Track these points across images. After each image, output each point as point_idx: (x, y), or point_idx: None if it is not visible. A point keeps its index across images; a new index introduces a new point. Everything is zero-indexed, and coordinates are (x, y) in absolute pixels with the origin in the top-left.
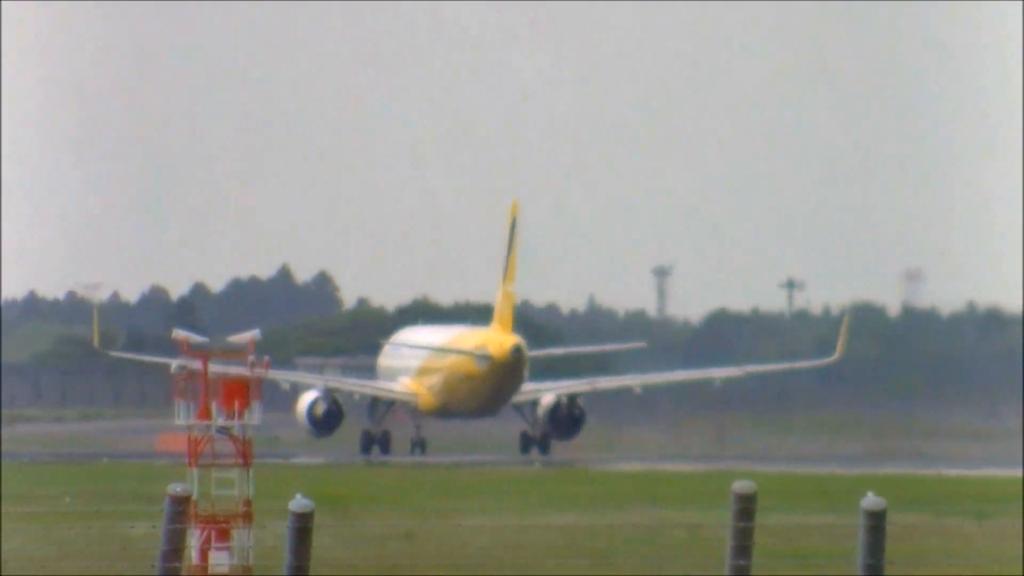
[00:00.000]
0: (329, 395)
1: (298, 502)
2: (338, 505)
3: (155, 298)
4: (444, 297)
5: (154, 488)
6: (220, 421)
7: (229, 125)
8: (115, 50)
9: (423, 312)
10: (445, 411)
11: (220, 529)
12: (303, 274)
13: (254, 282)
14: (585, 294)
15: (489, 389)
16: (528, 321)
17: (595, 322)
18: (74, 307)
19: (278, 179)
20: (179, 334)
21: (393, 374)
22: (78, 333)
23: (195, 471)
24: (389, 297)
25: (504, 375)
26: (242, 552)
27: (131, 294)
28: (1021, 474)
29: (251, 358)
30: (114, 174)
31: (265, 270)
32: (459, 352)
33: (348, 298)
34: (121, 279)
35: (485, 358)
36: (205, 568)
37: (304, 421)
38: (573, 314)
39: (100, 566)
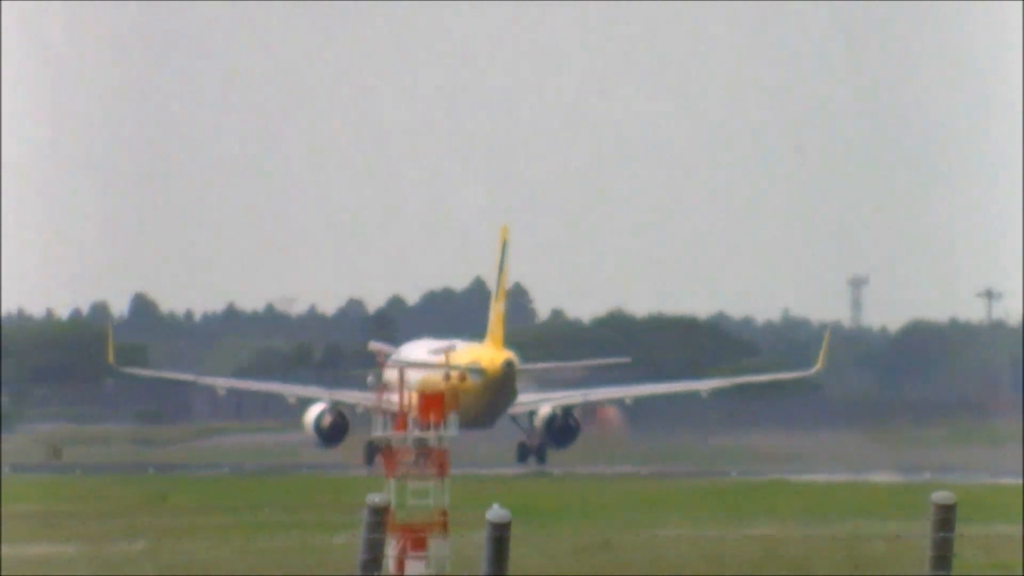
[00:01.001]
0: (335, 407)
1: (495, 512)
2: (533, 515)
3: (352, 311)
4: (639, 308)
5: (351, 499)
6: (416, 432)
7: (412, 138)
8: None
9: (618, 324)
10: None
11: (416, 539)
12: None
13: (449, 294)
14: (780, 306)
15: (483, 402)
16: (723, 333)
17: (790, 333)
18: (273, 320)
19: (472, 190)
20: (376, 346)
21: (396, 386)
22: (277, 345)
23: (392, 481)
24: (584, 309)
25: (497, 389)
26: (438, 562)
27: (328, 307)
28: None
29: (446, 370)
30: (312, 190)
31: (460, 282)
32: (453, 367)
33: (543, 310)
34: (318, 292)
35: (478, 373)
36: None
37: (311, 432)
38: (768, 326)
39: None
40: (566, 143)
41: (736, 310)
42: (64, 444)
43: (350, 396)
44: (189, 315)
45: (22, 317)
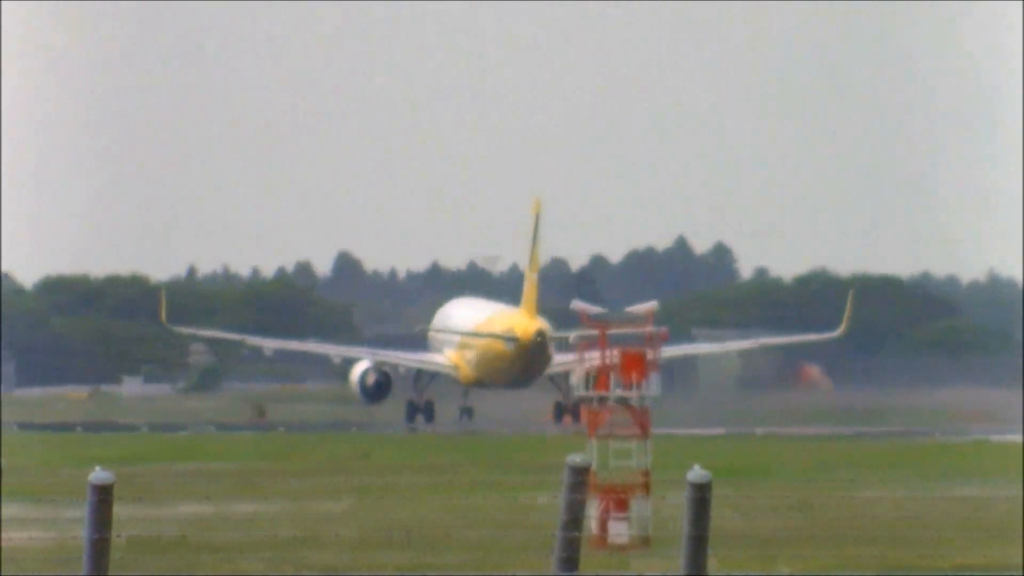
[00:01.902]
0: (378, 366)
1: (696, 472)
2: (733, 476)
3: (554, 269)
4: (841, 267)
5: (553, 458)
6: (618, 392)
7: (598, 101)
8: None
9: (821, 283)
10: (482, 383)
11: (619, 499)
12: (700, 244)
13: (651, 252)
14: (986, 265)
15: (518, 367)
16: (926, 293)
17: (996, 293)
18: (475, 278)
19: (673, 148)
20: (578, 305)
21: (439, 345)
22: None
23: (594, 442)
24: (787, 267)
25: (530, 356)
26: (641, 523)
27: None
28: None
29: (649, 329)
30: (503, 151)
31: (663, 240)
32: (489, 335)
33: (745, 269)
34: (521, 251)
35: (512, 340)
36: (604, 539)
37: (356, 390)
38: (973, 285)
39: (501, 535)
40: (764, 106)
41: (941, 269)
42: (268, 403)
43: (394, 356)
44: (393, 273)
45: (228, 276)
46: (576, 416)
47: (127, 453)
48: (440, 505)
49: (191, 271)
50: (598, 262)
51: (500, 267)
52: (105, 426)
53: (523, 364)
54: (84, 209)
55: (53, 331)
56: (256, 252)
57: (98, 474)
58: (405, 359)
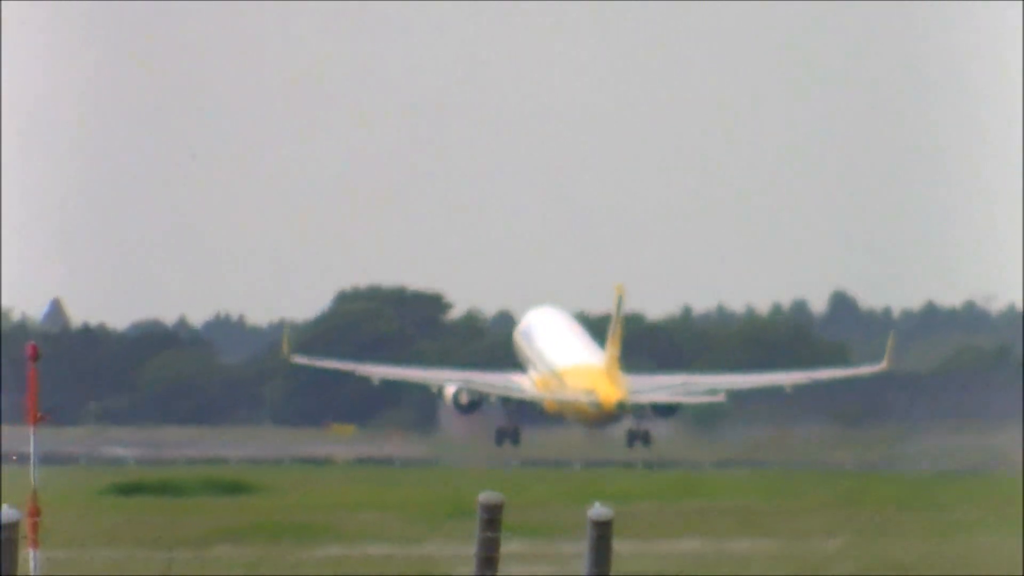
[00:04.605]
0: (469, 388)
1: None
2: None
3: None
4: None
5: None
6: None
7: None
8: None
9: None
10: (563, 417)
11: None
12: None
13: None
14: None
15: (595, 419)
16: None
17: None
18: (970, 317)
19: None
20: None
21: (525, 359)
22: (977, 343)
23: None
24: None
25: (608, 417)
26: None
27: None
28: None
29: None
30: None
31: None
32: (572, 393)
33: None
34: (1014, 288)
35: (595, 404)
36: None
37: (451, 405)
38: None
39: None
40: None
41: None
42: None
43: (481, 380)
44: (887, 312)
45: (723, 314)
46: (646, 442)
47: (625, 490)
48: (938, 546)
49: (686, 309)
50: None
51: (998, 306)
52: (603, 462)
53: (601, 419)
54: (581, 245)
55: None
56: (751, 289)
57: (596, 510)
58: (491, 387)
